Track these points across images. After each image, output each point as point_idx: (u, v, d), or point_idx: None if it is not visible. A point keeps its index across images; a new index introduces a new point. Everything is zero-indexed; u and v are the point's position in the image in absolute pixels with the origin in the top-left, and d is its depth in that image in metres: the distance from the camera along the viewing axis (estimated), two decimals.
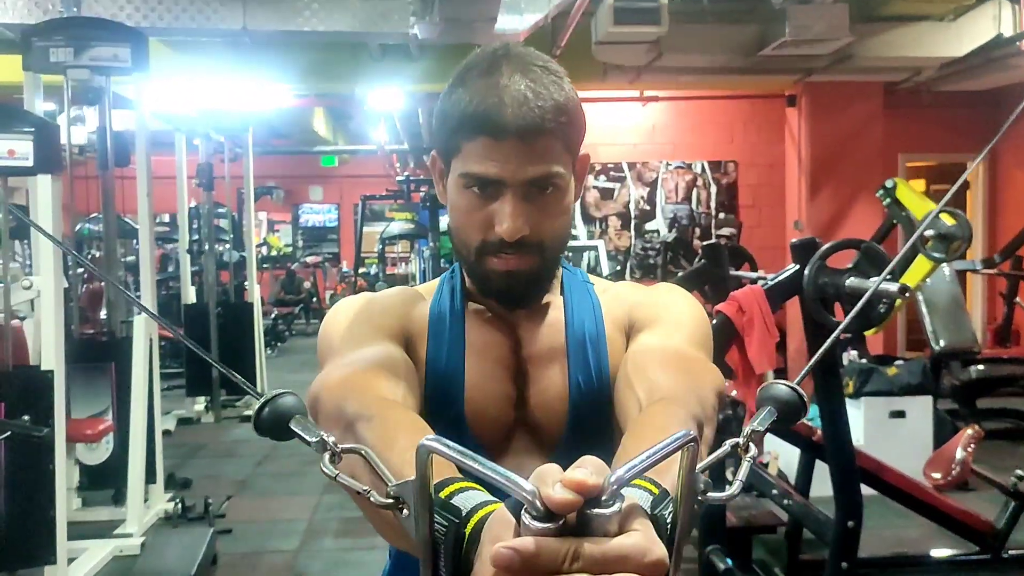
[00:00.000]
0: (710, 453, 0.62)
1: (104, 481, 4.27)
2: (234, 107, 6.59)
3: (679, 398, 0.77)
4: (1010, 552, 3.57)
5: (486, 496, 0.59)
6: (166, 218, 10.69)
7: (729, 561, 3.07)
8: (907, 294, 2.58)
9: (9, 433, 2.88)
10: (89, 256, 5.80)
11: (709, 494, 0.57)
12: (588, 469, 0.49)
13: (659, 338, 0.95)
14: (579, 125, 0.94)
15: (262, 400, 0.68)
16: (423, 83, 6.94)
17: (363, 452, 0.63)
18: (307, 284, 12.95)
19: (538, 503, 0.49)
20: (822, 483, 3.23)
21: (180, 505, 4.24)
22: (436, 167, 0.99)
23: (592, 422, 0.97)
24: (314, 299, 13.14)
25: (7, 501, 3.15)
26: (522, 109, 0.88)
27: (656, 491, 0.57)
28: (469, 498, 0.59)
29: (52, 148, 3.32)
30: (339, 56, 6.42)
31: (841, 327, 0.87)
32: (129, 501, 4.02)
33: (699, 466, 0.57)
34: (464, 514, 0.58)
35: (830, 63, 6.22)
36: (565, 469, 0.50)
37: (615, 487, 0.50)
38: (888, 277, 2.75)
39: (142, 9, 4.85)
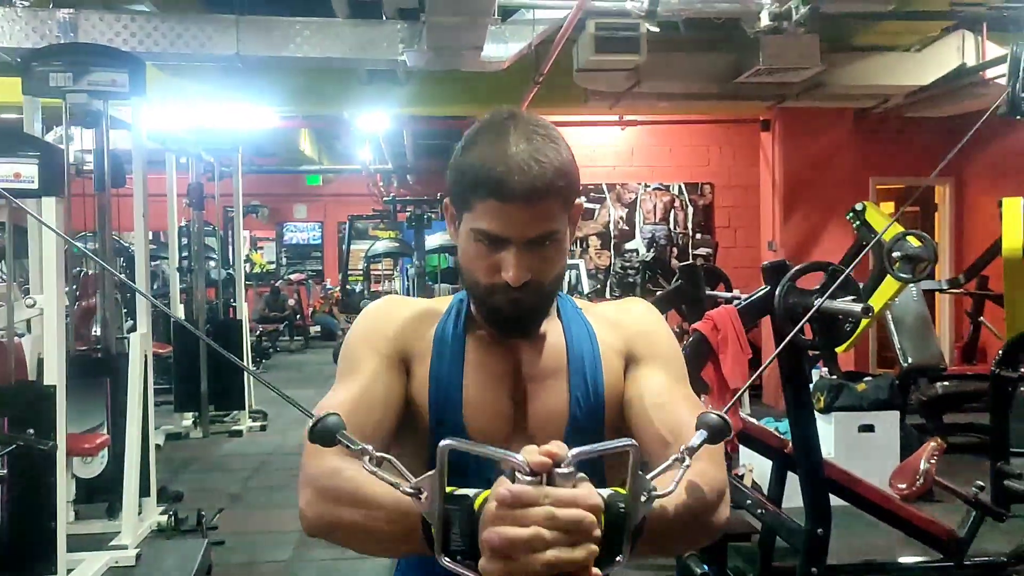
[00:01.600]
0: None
1: (98, 495, 4.37)
2: (224, 128, 6.72)
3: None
4: (972, 560, 3.76)
5: (480, 490, 0.85)
6: (150, 236, 10.76)
7: (705, 567, 3.23)
8: (870, 313, 2.76)
9: (15, 446, 2.99)
10: (81, 273, 5.89)
11: (654, 493, 0.84)
12: (556, 446, 0.81)
13: (662, 381, 1.15)
14: (575, 182, 1.10)
15: (315, 419, 0.88)
16: (409, 106, 7.12)
17: (390, 459, 0.86)
18: (291, 301, 13.03)
19: (526, 466, 0.80)
20: (795, 494, 3.39)
21: (173, 518, 4.34)
22: (448, 212, 1.14)
23: (587, 431, 1.13)
24: (298, 316, 13.22)
25: (9, 512, 3.26)
26: (527, 177, 1.02)
27: (620, 491, 0.85)
28: (470, 491, 0.85)
29: (56, 171, 3.44)
30: (328, 80, 6.58)
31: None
32: (124, 513, 4.12)
33: (650, 475, 0.85)
34: (471, 496, 0.84)
35: (802, 90, 6.46)
36: None
37: (572, 457, 0.81)
38: (852, 298, 2.94)
39: (138, 35, 4.99)
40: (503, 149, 1.03)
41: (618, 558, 0.83)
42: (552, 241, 1.08)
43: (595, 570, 0.80)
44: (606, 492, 0.84)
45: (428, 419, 1.13)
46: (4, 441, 2.97)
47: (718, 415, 0.88)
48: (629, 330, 1.20)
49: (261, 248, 15.02)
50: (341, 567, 3.98)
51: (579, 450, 0.81)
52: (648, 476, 0.85)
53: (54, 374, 3.38)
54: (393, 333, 1.16)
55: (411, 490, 0.84)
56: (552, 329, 1.18)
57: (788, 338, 1.17)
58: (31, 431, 3.11)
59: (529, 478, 0.79)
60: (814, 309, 2.74)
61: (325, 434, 0.86)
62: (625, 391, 1.16)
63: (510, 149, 1.03)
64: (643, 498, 0.83)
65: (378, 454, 0.85)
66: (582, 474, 0.82)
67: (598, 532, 0.80)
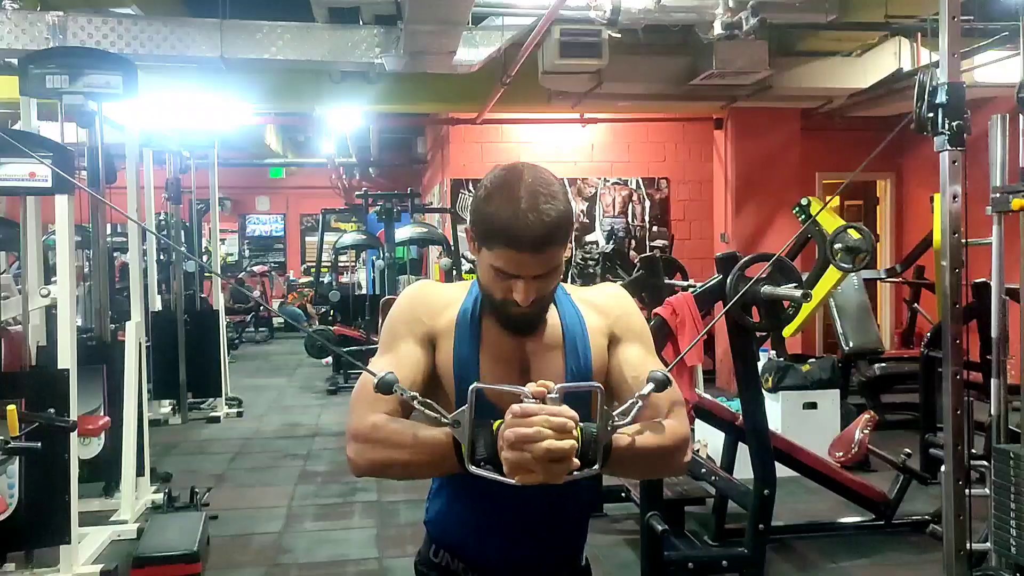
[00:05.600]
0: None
1: (96, 475, 4.62)
2: (201, 125, 6.94)
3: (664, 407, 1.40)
4: (900, 519, 4.20)
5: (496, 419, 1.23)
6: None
7: (666, 526, 3.59)
8: (809, 298, 3.14)
9: (35, 424, 3.24)
10: None
11: (616, 423, 1.24)
12: (547, 383, 1.22)
13: (639, 353, 1.48)
14: (571, 226, 1.42)
15: (379, 376, 1.26)
16: (379, 104, 7.38)
17: (431, 403, 1.26)
18: (256, 292, 13.19)
19: (529, 393, 1.20)
20: (744, 466, 3.77)
21: (167, 495, 4.61)
22: (470, 235, 1.46)
23: (578, 395, 1.41)
24: (262, 307, 13.38)
25: (27, 487, 3.52)
26: (534, 233, 1.30)
27: (593, 423, 1.23)
28: (489, 420, 1.24)
29: (68, 170, 3.69)
30: (301, 79, 6.84)
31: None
32: (123, 491, 4.39)
33: (618, 411, 1.25)
34: (493, 423, 1.23)
35: (753, 91, 6.87)
36: None
37: (558, 389, 1.21)
38: (794, 285, 3.32)
39: (124, 37, 5.22)
40: (515, 208, 1.33)
41: (595, 466, 1.22)
42: (553, 270, 1.40)
43: (576, 461, 1.18)
44: (586, 424, 1.24)
45: (452, 385, 1.45)
46: (27, 419, 3.21)
47: (663, 372, 1.29)
48: (611, 315, 1.53)
49: (223, 240, 15.13)
50: (329, 536, 4.28)
51: (562, 385, 1.23)
52: (613, 412, 1.25)
53: (67, 359, 3.64)
54: (424, 315, 1.49)
55: (449, 420, 1.23)
56: (549, 314, 1.50)
57: (718, 317, 1.53)
58: (52, 410, 3.36)
59: (532, 400, 1.20)
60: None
61: (386, 385, 1.25)
62: (610, 362, 1.49)
63: (521, 207, 1.33)
64: (608, 426, 1.23)
65: (425, 399, 1.26)
66: (563, 403, 1.22)
67: (577, 432, 1.18)
